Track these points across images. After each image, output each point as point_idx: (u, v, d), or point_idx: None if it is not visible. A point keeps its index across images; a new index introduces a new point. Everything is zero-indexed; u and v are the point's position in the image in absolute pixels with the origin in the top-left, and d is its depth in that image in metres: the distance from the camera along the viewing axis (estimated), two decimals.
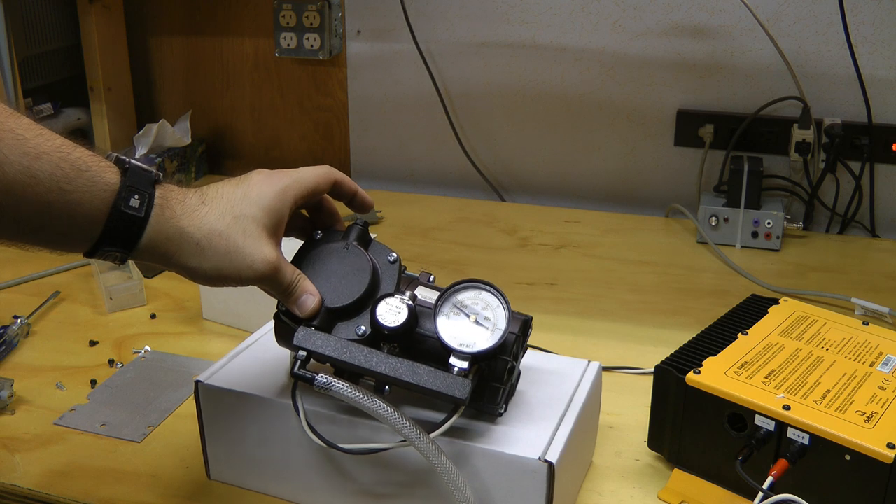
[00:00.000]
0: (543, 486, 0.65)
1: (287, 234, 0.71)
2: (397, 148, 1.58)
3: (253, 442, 0.75)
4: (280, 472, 0.75)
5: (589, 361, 0.80)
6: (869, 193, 1.36)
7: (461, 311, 0.67)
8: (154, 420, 0.88)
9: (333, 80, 1.57)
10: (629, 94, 1.43)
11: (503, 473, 0.67)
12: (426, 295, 0.69)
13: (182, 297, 1.13)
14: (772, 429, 0.69)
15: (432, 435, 0.65)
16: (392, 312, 0.66)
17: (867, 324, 0.84)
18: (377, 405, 0.64)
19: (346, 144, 1.60)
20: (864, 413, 0.69)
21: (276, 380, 0.75)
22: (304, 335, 0.67)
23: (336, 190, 0.73)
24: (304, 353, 0.66)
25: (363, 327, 0.68)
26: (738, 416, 0.71)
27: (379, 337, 0.67)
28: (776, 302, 0.88)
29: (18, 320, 1.03)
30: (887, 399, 0.71)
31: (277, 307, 0.70)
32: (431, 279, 0.71)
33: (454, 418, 0.66)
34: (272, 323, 0.72)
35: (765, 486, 0.67)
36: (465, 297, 0.68)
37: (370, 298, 0.68)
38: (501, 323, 0.66)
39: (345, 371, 0.67)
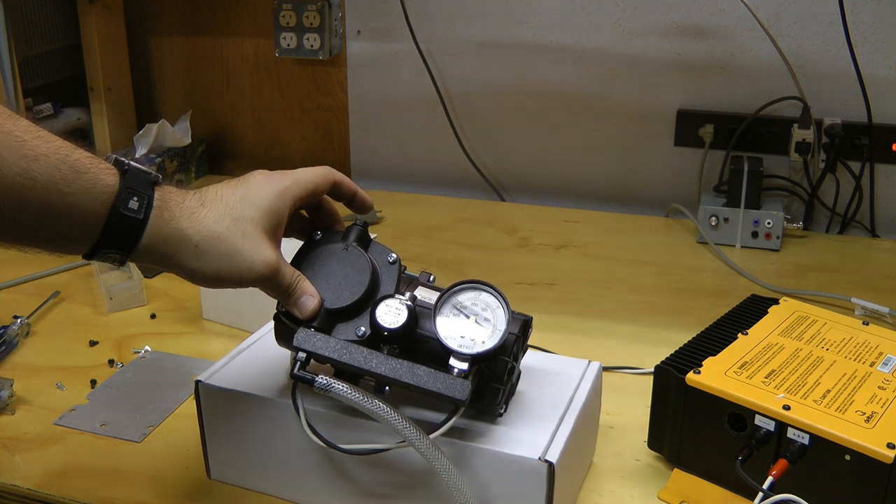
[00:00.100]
0: (543, 486, 0.65)
1: (286, 235, 0.71)
2: (397, 148, 1.58)
3: (253, 442, 0.75)
4: (280, 473, 0.75)
5: (589, 361, 0.80)
6: (869, 193, 1.36)
7: (461, 311, 0.67)
8: (154, 420, 0.88)
9: (333, 80, 1.57)
10: (629, 94, 1.43)
11: (503, 474, 0.67)
12: (426, 295, 0.69)
13: (182, 297, 1.13)
14: (772, 429, 0.69)
15: (432, 436, 0.65)
16: (392, 314, 0.66)
17: (867, 324, 0.84)
18: (377, 406, 0.64)
19: (346, 144, 1.60)
20: (864, 413, 0.69)
21: (277, 380, 0.75)
22: (303, 336, 0.67)
23: (336, 191, 0.73)
24: (304, 354, 0.66)
25: (363, 328, 0.68)
26: (738, 416, 0.71)
27: (379, 338, 0.67)
28: (776, 302, 0.88)
29: (18, 320, 1.03)
30: (887, 399, 0.71)
31: (277, 308, 0.70)
32: (431, 279, 0.71)
33: (454, 419, 0.66)
34: (272, 323, 0.72)
35: (765, 486, 0.67)
36: (465, 297, 0.68)
37: (370, 299, 0.68)
38: (501, 324, 0.66)
39: (345, 372, 0.67)
